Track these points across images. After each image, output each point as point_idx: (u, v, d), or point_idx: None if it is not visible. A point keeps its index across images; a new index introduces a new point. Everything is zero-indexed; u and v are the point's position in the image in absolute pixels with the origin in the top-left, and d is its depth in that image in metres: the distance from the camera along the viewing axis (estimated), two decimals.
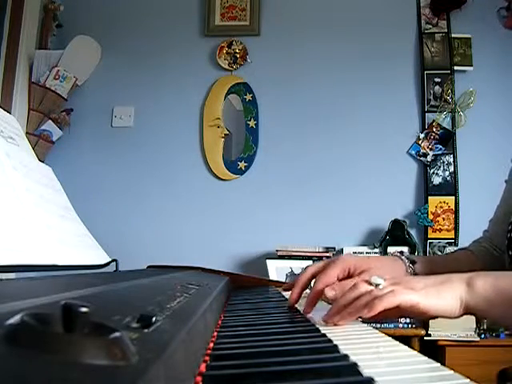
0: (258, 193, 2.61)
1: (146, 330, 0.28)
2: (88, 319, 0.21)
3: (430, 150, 2.54)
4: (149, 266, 1.27)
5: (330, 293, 0.68)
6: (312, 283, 0.77)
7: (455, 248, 2.38)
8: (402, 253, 0.92)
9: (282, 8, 2.74)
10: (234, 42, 2.71)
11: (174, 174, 2.66)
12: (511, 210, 0.95)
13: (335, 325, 0.60)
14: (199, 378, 0.31)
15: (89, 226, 0.93)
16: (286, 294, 0.97)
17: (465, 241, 2.40)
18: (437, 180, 2.52)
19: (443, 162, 2.53)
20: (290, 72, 2.68)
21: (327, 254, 2.38)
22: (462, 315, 0.63)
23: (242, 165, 2.64)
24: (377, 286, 0.62)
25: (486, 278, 0.63)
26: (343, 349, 0.39)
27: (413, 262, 0.89)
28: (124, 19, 2.81)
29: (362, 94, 2.62)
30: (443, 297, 0.62)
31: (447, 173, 2.52)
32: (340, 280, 0.77)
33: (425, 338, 2.07)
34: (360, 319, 0.65)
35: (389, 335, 0.51)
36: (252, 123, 2.66)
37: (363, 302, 0.60)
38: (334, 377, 0.31)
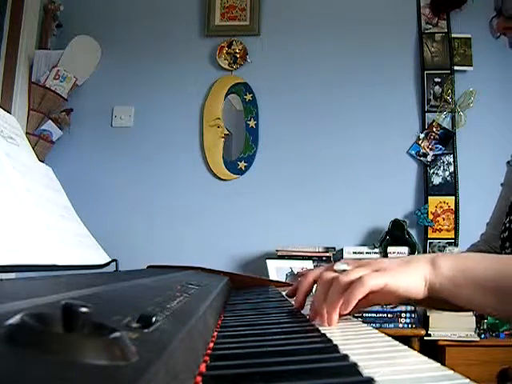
0: (258, 193, 2.61)
1: (145, 330, 0.28)
2: (88, 319, 0.21)
3: (430, 150, 2.54)
4: (149, 266, 1.27)
5: None
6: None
7: (455, 248, 2.38)
8: None
9: (282, 8, 2.74)
10: (234, 42, 2.71)
11: (174, 173, 2.66)
12: (506, 211, 0.96)
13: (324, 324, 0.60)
14: (199, 378, 0.31)
15: (89, 226, 0.93)
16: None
17: (465, 241, 2.42)
18: (437, 180, 2.52)
19: (443, 162, 2.53)
20: (289, 72, 2.68)
21: (327, 254, 2.38)
22: (427, 298, 0.63)
23: (241, 165, 2.64)
24: (342, 272, 0.63)
25: (450, 258, 0.63)
26: (343, 349, 0.39)
27: None
28: (124, 19, 2.81)
29: (361, 94, 2.62)
30: (409, 275, 0.61)
31: (447, 173, 2.52)
32: None
33: (425, 338, 2.07)
34: (353, 314, 0.66)
35: (389, 335, 0.51)
36: (252, 123, 2.66)
37: (336, 292, 0.60)
38: (334, 377, 0.31)
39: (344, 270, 0.63)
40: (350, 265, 0.64)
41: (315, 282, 0.77)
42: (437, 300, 0.64)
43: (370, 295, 0.62)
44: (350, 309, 0.59)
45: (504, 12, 0.87)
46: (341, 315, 0.61)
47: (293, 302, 0.80)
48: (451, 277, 0.62)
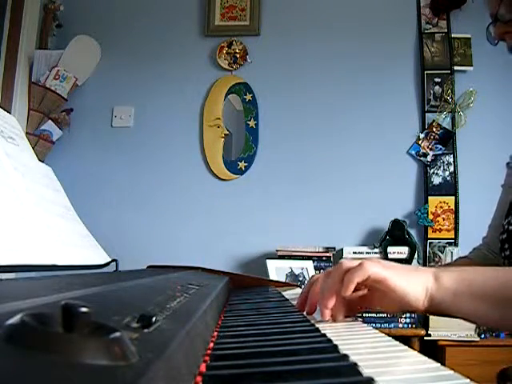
0: (258, 193, 2.61)
1: (145, 330, 0.28)
2: (88, 319, 0.21)
3: (430, 150, 2.54)
4: (149, 266, 1.27)
5: None
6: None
7: (455, 248, 2.38)
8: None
9: (282, 8, 2.74)
10: (233, 42, 2.71)
11: (173, 173, 2.66)
12: (504, 214, 0.96)
13: (332, 321, 0.61)
14: (199, 378, 0.31)
15: (89, 226, 0.93)
16: (286, 294, 0.97)
17: (465, 241, 2.42)
18: (437, 180, 2.52)
19: (443, 162, 2.53)
20: (289, 72, 2.68)
21: (327, 254, 2.38)
22: (427, 311, 0.63)
23: (241, 165, 2.64)
24: None
25: (452, 272, 0.64)
26: (343, 349, 0.39)
27: None
28: (124, 19, 2.81)
29: (361, 94, 2.62)
30: (411, 282, 0.62)
31: (447, 173, 2.52)
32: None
33: (425, 338, 2.07)
34: (354, 314, 0.67)
35: (389, 335, 0.51)
36: (252, 123, 2.66)
37: (334, 277, 0.62)
38: (333, 377, 0.31)
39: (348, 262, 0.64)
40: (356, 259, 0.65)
41: None
42: (435, 311, 0.64)
43: (369, 295, 0.63)
44: (349, 292, 0.60)
45: (500, 18, 0.87)
46: (351, 311, 0.62)
47: (294, 303, 0.80)
48: (453, 289, 0.62)
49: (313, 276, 0.77)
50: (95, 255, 0.89)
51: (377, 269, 0.61)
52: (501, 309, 0.60)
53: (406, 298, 0.62)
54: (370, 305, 0.67)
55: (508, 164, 1.06)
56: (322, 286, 0.64)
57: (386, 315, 2.15)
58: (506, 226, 0.91)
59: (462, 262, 1.08)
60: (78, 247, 0.82)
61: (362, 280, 0.60)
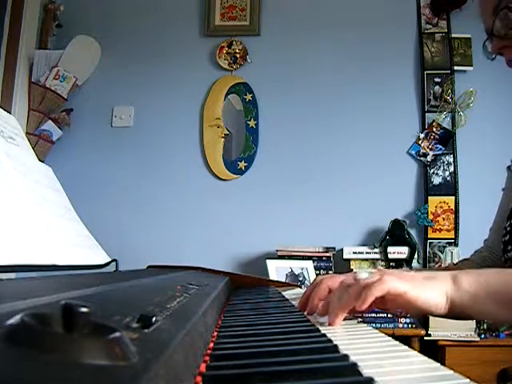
0: (258, 193, 2.61)
1: (146, 330, 0.28)
2: (88, 319, 0.21)
3: (430, 150, 2.54)
4: (149, 266, 1.27)
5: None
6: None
7: (455, 248, 2.38)
8: (411, 268, 0.94)
9: (282, 8, 2.74)
10: (233, 42, 2.71)
11: (173, 174, 2.66)
12: (506, 216, 0.96)
13: (330, 324, 0.60)
14: (199, 378, 0.31)
15: (89, 226, 0.93)
16: (287, 294, 0.97)
17: (465, 241, 2.42)
18: (437, 180, 2.52)
19: (443, 162, 2.53)
20: (290, 72, 2.68)
21: (327, 254, 2.38)
22: (448, 314, 0.63)
23: (241, 165, 2.64)
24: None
25: (470, 275, 0.64)
26: (343, 349, 0.39)
27: None
28: (124, 19, 2.81)
29: (361, 94, 2.62)
30: (430, 290, 0.62)
31: (447, 173, 2.52)
32: None
33: (425, 338, 2.07)
34: (354, 315, 0.66)
35: (389, 335, 0.51)
36: (252, 123, 2.66)
37: (353, 292, 0.61)
38: (333, 377, 0.31)
39: (366, 278, 0.63)
40: (373, 272, 0.64)
41: (330, 289, 0.76)
42: (455, 314, 0.64)
43: (388, 302, 0.62)
44: (365, 306, 0.59)
45: (496, 33, 0.87)
46: (356, 311, 0.61)
47: (294, 303, 0.80)
48: (472, 292, 0.62)
49: (316, 277, 0.77)
50: (95, 255, 0.89)
51: (395, 283, 0.60)
52: None
53: (426, 306, 0.62)
54: (384, 307, 0.66)
55: (509, 167, 1.06)
56: (338, 298, 0.62)
57: (386, 315, 2.14)
58: (509, 228, 0.92)
59: (464, 264, 1.08)
60: (78, 247, 0.82)
61: (380, 295, 0.60)
